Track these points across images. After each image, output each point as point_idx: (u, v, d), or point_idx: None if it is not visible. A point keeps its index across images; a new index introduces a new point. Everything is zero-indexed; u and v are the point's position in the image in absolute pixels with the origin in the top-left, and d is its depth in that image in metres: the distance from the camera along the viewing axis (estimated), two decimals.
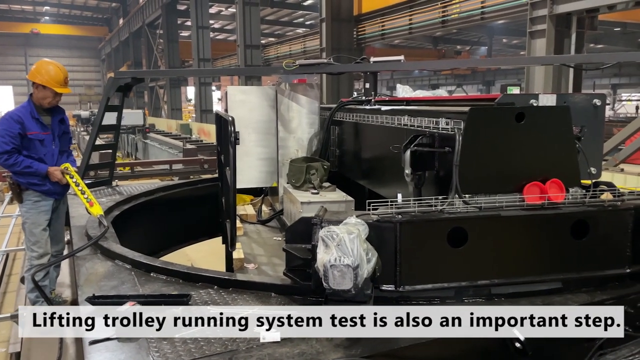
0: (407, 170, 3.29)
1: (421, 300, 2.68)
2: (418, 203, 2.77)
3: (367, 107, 4.80)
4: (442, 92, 4.72)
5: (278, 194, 5.50)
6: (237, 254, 4.25)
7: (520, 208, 2.86)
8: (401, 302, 2.65)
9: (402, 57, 4.88)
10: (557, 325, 2.53)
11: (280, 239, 4.94)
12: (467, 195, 2.82)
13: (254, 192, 6.21)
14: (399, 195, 2.98)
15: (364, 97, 5.11)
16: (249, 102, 5.23)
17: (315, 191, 4.67)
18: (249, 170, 5.41)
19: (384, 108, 4.36)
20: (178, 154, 14.21)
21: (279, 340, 2.26)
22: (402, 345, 2.26)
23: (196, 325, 2.39)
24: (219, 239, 5.34)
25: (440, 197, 2.84)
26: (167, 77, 28.08)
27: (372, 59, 5.06)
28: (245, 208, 5.91)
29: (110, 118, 5.50)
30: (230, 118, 3.65)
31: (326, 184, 4.87)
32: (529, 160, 2.96)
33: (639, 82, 40.58)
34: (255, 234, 5.22)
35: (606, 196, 3.20)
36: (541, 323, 2.49)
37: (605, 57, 5.61)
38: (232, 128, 3.55)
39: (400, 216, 2.68)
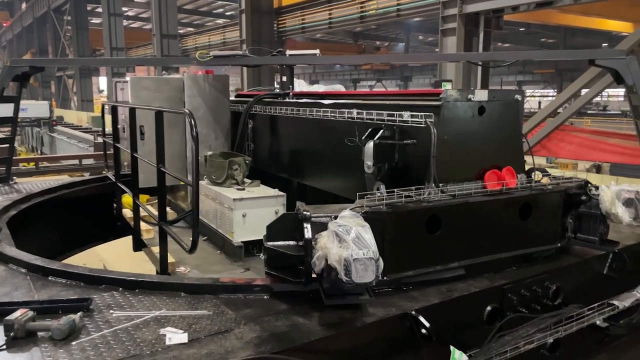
0: (369, 162, 3.33)
1: (404, 287, 2.79)
2: (393, 195, 2.86)
3: (292, 100, 4.77)
4: (340, 87, 4.82)
5: (187, 191, 5.26)
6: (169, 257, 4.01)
7: (483, 194, 3.11)
8: (402, 288, 2.76)
9: (317, 51, 4.89)
10: (457, 310, 2.68)
11: (204, 239, 4.77)
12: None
13: (149, 191, 5.61)
14: (382, 187, 3.14)
15: (278, 90, 5.07)
16: (152, 93, 4.92)
17: (240, 187, 4.56)
18: (153, 168, 4.99)
19: (323, 101, 4.35)
20: (89, 148, 13.46)
21: (186, 341, 2.18)
22: (312, 339, 2.26)
23: (97, 330, 2.25)
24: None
25: (413, 188, 2.95)
26: (74, 66, 26.41)
27: (288, 52, 5.03)
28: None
29: (7, 110, 5.04)
30: (187, 111, 3.37)
31: (247, 180, 4.77)
32: (488, 149, 3.28)
33: (542, 79, 43.78)
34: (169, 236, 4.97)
35: (546, 180, 3.54)
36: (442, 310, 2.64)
37: (507, 55, 5.96)
38: (192, 121, 3.18)
39: (385, 207, 2.77)
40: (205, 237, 4.83)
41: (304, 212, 2.64)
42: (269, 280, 2.77)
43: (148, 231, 5.02)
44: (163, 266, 3.84)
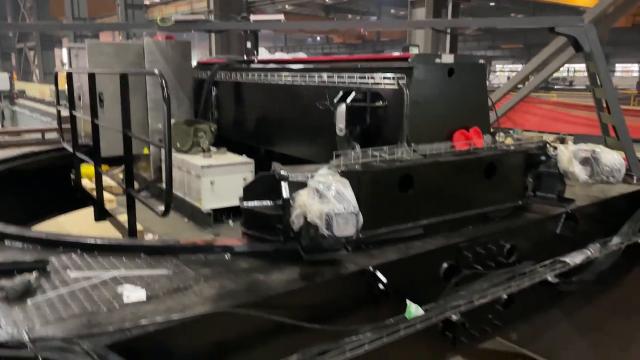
0: (341, 125, 3.35)
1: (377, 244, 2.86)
2: (367, 155, 2.92)
3: (259, 66, 4.72)
4: (302, 55, 4.79)
5: (148, 161, 5.17)
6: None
7: (452, 154, 3.20)
8: (361, 247, 2.80)
9: (281, 16, 4.83)
10: (414, 267, 2.77)
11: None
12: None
13: (110, 161, 5.36)
14: (357, 147, 3.20)
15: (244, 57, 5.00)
16: (111, 58, 4.77)
17: (208, 154, 4.52)
18: (114, 135, 4.57)
19: (291, 67, 4.32)
20: (52, 122, 13.08)
21: (144, 299, 2.19)
22: (271, 294, 2.30)
23: (54, 290, 2.24)
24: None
25: (385, 148, 3.01)
26: (32, 30, 25.38)
27: (252, 18, 4.96)
28: (105, 179, 5.39)
29: None
30: (156, 71, 3.27)
31: (213, 148, 4.72)
32: (456, 111, 3.37)
33: (510, 54, 44.24)
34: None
35: (509, 141, 3.64)
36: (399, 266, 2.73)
37: (472, 22, 6.01)
38: (162, 81, 3.14)
39: (360, 166, 2.82)
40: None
41: (281, 172, 2.67)
42: (237, 240, 2.80)
43: (111, 201, 4.96)
44: (132, 234, 3.81)
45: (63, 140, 5.44)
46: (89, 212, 5.67)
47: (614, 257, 3.77)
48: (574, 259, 3.40)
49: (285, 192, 2.62)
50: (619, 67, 42.23)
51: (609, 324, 5.13)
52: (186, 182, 4.49)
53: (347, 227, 2.40)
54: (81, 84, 5.10)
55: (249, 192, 2.81)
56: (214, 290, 2.29)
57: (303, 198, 2.47)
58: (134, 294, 2.20)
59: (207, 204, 4.24)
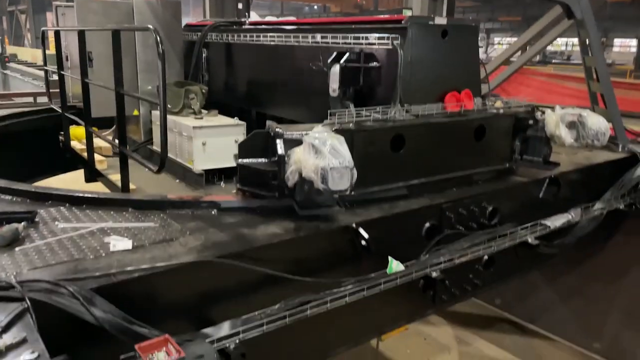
0: (335, 86, 3.37)
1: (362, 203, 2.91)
2: (361, 114, 2.95)
3: (252, 27, 4.68)
4: (292, 18, 4.73)
5: (138, 123, 5.15)
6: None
7: (444, 115, 3.26)
8: (354, 205, 2.86)
9: None
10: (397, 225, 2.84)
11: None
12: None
13: (99, 124, 5.25)
14: (352, 106, 3.24)
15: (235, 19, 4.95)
16: (100, 17, 4.69)
17: (199, 116, 4.51)
18: (103, 96, 4.47)
19: (284, 27, 4.30)
20: (44, 86, 12.93)
21: (130, 248, 2.25)
22: (255, 246, 2.36)
23: (42, 239, 2.29)
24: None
25: (378, 108, 3.03)
26: None
27: None
28: (95, 141, 5.35)
29: None
30: (151, 27, 3.27)
31: (204, 110, 4.72)
32: (449, 72, 3.39)
33: (509, 27, 43.73)
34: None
35: (499, 104, 3.71)
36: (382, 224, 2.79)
37: None
38: (157, 37, 3.15)
39: (353, 125, 2.87)
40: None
41: (277, 129, 2.71)
42: (224, 197, 2.85)
43: (101, 162, 4.97)
44: (125, 192, 3.85)
45: (51, 101, 5.40)
46: (79, 174, 5.68)
47: (596, 223, 3.85)
48: (555, 222, 3.48)
49: (281, 149, 2.66)
50: (617, 42, 41.91)
51: (590, 289, 5.27)
52: (177, 143, 4.50)
53: (342, 181, 2.48)
54: (68, 43, 5.03)
55: (244, 148, 2.85)
56: (199, 242, 2.35)
57: (298, 155, 2.54)
58: (120, 243, 2.26)
59: (199, 164, 4.26)
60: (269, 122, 2.83)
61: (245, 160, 2.83)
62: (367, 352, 5.53)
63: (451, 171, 3.34)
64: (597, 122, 3.57)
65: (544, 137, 3.62)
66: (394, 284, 2.67)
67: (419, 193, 3.14)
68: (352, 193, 2.63)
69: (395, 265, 2.69)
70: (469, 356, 5.73)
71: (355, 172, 2.53)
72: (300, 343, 2.58)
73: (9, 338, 1.53)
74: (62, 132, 5.12)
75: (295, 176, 2.57)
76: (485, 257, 3.36)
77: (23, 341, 1.53)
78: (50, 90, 5.76)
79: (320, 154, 2.48)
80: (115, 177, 4.24)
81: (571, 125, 3.56)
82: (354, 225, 2.66)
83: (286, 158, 2.63)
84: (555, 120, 3.58)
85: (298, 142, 2.62)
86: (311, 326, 2.44)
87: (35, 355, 1.45)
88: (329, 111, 2.91)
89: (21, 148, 5.23)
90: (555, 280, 5.58)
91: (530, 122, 3.65)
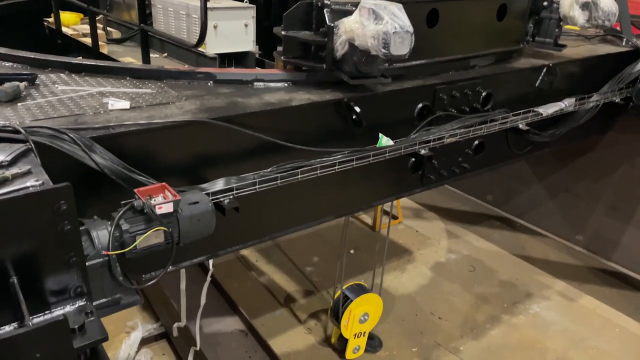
0: None
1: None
2: None
3: None
4: None
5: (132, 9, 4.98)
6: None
7: None
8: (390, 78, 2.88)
9: None
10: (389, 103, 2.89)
11: (164, 55, 4.66)
12: None
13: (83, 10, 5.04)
14: None
15: None
16: None
17: None
18: None
19: None
20: None
21: (127, 107, 2.33)
22: (248, 111, 2.44)
23: (43, 98, 2.37)
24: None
25: None
26: None
27: None
28: (76, 28, 5.12)
29: None
30: None
31: None
32: None
33: None
34: (121, 54, 4.81)
35: None
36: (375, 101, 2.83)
37: None
38: None
39: None
40: (165, 54, 4.77)
41: (325, 0, 2.68)
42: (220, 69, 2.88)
43: (102, 47, 4.93)
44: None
45: None
46: None
47: (590, 114, 3.89)
48: (548, 110, 3.53)
49: (329, 19, 2.64)
50: None
51: (578, 185, 5.44)
52: (186, 26, 4.41)
53: (403, 46, 2.49)
54: None
55: (290, 19, 2.83)
56: (194, 106, 2.43)
57: (350, 24, 2.52)
58: (118, 103, 2.34)
59: (212, 48, 4.20)
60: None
61: (291, 32, 2.84)
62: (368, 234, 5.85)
63: (476, 50, 3.43)
64: (609, 3, 3.72)
65: (557, 18, 3.76)
66: (382, 158, 2.78)
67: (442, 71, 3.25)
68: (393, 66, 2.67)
69: (385, 141, 2.78)
70: (457, 247, 6.04)
71: (414, 38, 2.53)
72: (291, 206, 2.74)
73: (14, 170, 1.65)
74: (47, 19, 4.96)
75: (345, 46, 2.57)
76: (476, 142, 3.45)
77: (28, 172, 1.66)
78: None
79: (380, 19, 2.46)
80: (128, 60, 4.24)
81: (585, 7, 3.68)
82: (346, 99, 2.72)
83: (335, 29, 2.61)
84: (570, 2, 3.69)
85: (346, 13, 2.59)
86: (302, 190, 2.59)
87: (40, 181, 1.59)
88: None
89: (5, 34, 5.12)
90: (545, 177, 5.73)
91: (545, 3, 3.75)
